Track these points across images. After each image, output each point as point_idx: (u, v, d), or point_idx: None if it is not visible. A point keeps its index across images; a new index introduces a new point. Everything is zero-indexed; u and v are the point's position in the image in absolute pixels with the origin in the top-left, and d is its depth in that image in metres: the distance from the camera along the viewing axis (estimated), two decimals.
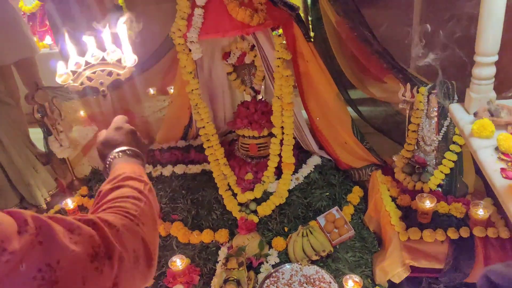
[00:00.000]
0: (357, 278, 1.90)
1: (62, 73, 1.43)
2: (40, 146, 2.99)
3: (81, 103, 2.99)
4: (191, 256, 2.22)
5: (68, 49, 1.45)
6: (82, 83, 1.43)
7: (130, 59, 1.43)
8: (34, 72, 3.48)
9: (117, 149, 1.02)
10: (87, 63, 1.41)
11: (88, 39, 1.42)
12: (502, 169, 1.32)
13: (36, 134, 3.07)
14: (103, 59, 1.42)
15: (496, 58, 1.55)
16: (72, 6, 3.06)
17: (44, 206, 2.75)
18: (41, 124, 2.76)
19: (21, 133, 2.78)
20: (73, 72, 1.42)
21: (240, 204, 2.37)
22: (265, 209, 2.31)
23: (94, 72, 1.41)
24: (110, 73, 1.42)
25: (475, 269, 1.83)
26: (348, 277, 1.91)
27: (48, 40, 4.50)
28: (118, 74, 1.42)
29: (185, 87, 2.44)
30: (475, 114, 1.60)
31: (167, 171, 2.65)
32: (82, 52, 1.49)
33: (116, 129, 1.08)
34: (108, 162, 1.02)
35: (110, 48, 1.43)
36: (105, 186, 0.91)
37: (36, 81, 3.05)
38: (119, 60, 1.43)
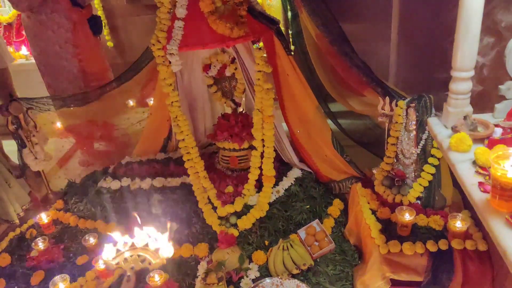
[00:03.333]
0: None
1: (109, 252, 1.65)
2: (14, 158, 2.91)
3: (57, 114, 2.93)
4: (170, 271, 2.17)
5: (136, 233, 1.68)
6: (117, 263, 1.63)
7: (167, 251, 1.63)
8: (8, 83, 3.39)
9: None
10: (133, 244, 1.63)
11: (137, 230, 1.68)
12: (480, 183, 1.33)
13: (10, 146, 2.99)
14: (146, 245, 1.63)
15: (472, 73, 1.58)
16: None
17: (17, 221, 2.66)
18: (15, 136, 2.68)
19: None
20: (117, 250, 1.64)
21: (220, 218, 2.34)
22: (245, 222, 2.29)
23: (131, 256, 1.61)
24: (143, 260, 1.60)
25: (454, 282, 1.84)
26: None
27: (24, 50, 4.42)
28: (149, 263, 1.60)
29: (164, 99, 2.42)
30: (452, 128, 1.63)
31: (145, 184, 2.60)
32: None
33: None
34: None
35: (155, 235, 1.63)
36: None
37: (10, 92, 2.98)
38: (157, 249, 1.61)
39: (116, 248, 1.68)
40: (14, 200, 2.68)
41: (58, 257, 2.31)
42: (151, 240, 1.65)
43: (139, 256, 1.62)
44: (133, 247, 1.65)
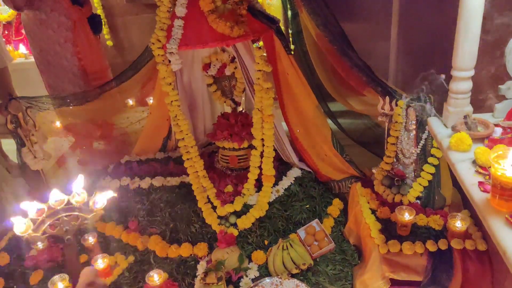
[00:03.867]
0: None
1: (21, 225, 1.34)
2: (13, 157, 2.90)
3: (56, 113, 2.92)
4: (169, 270, 2.17)
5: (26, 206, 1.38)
6: (44, 232, 1.35)
7: (100, 200, 1.34)
8: (7, 82, 3.38)
9: None
10: (50, 208, 1.33)
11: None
12: (480, 183, 1.33)
13: (9, 145, 2.98)
14: (68, 203, 1.33)
15: (472, 72, 1.58)
16: None
17: None
18: (14, 135, 2.67)
19: None
20: (34, 221, 1.33)
21: (219, 217, 2.34)
22: (245, 222, 2.28)
23: (57, 219, 1.33)
24: (76, 217, 1.35)
25: (453, 282, 1.84)
26: None
27: (22, 49, 4.41)
28: (85, 219, 1.34)
29: (164, 98, 2.41)
30: (452, 128, 1.62)
31: (145, 183, 2.60)
32: None
33: (88, 285, 1.07)
34: None
35: (76, 189, 1.33)
36: None
37: (9, 91, 2.97)
38: (86, 203, 1.34)
39: (27, 220, 1.37)
40: (11, 198, 2.68)
41: (57, 256, 2.31)
42: (74, 195, 1.36)
43: (67, 217, 1.35)
44: (51, 211, 1.34)
